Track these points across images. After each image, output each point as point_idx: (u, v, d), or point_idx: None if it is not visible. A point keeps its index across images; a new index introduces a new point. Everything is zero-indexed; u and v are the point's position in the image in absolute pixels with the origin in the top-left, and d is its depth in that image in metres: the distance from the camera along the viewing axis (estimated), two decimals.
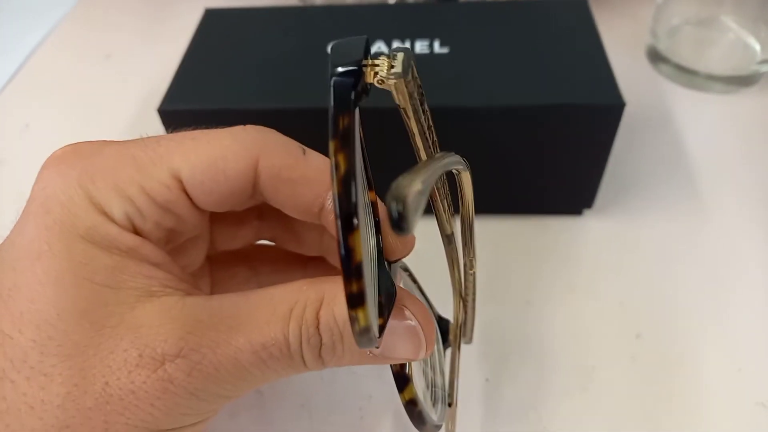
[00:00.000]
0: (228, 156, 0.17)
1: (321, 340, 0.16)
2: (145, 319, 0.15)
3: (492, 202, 0.32)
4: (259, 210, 0.22)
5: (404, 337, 0.16)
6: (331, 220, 0.18)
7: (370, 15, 0.32)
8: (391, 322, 0.16)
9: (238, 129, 0.17)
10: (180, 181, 0.17)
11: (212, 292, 0.23)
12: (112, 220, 0.16)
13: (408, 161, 0.14)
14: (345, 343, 0.16)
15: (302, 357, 0.16)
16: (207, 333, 0.15)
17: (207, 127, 0.18)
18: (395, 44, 0.30)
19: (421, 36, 0.30)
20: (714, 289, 0.28)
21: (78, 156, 0.17)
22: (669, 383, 0.25)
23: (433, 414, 0.18)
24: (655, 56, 0.40)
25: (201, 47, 0.30)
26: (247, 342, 0.15)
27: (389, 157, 0.21)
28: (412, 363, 0.17)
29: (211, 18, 0.33)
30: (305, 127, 0.24)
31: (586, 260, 0.30)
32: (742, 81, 0.38)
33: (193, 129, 0.18)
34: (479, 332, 0.27)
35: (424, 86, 0.27)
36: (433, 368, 0.21)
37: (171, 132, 0.18)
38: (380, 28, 0.31)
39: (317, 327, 0.16)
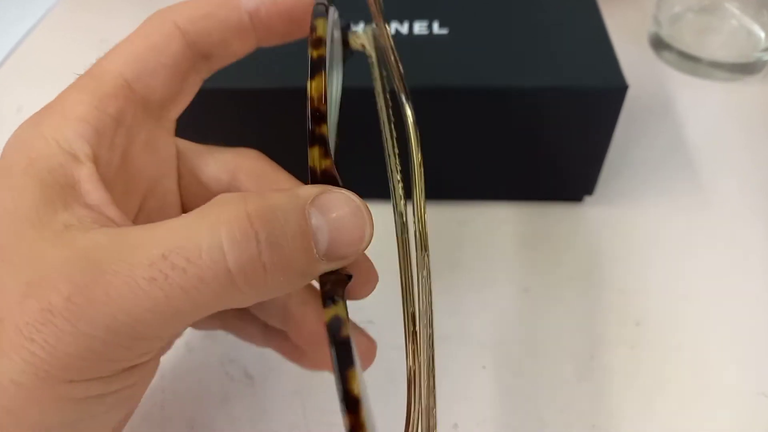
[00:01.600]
0: (154, 39, 0.17)
1: (257, 234, 0.14)
2: (49, 255, 0.14)
3: (491, 188, 0.31)
4: None
5: (342, 204, 0.15)
6: None
7: None
8: (331, 200, 0.15)
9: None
10: (126, 83, 0.17)
11: None
12: (69, 156, 0.16)
13: None
14: (287, 234, 0.14)
15: (226, 263, 0.13)
16: (107, 257, 0.14)
17: (203, 110, 0.19)
18: (393, 25, 0.29)
19: (420, 17, 0.29)
20: (715, 278, 0.28)
21: (33, 116, 0.17)
22: (668, 372, 0.25)
23: None
24: (658, 43, 0.40)
25: None
26: (144, 256, 0.13)
27: None
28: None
29: None
30: (300, 106, 0.24)
31: (585, 247, 0.30)
32: (746, 68, 0.38)
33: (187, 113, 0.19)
34: (477, 319, 0.27)
35: (423, 67, 0.27)
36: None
37: None
38: None
39: (249, 221, 0.14)
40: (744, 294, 0.27)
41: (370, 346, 0.21)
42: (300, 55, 0.24)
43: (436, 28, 0.29)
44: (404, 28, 0.29)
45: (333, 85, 0.18)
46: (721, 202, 0.31)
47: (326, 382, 0.25)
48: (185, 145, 0.20)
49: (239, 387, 0.25)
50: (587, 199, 0.31)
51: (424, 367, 0.16)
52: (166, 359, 0.26)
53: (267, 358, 0.26)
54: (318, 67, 0.15)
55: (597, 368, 0.25)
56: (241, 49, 0.19)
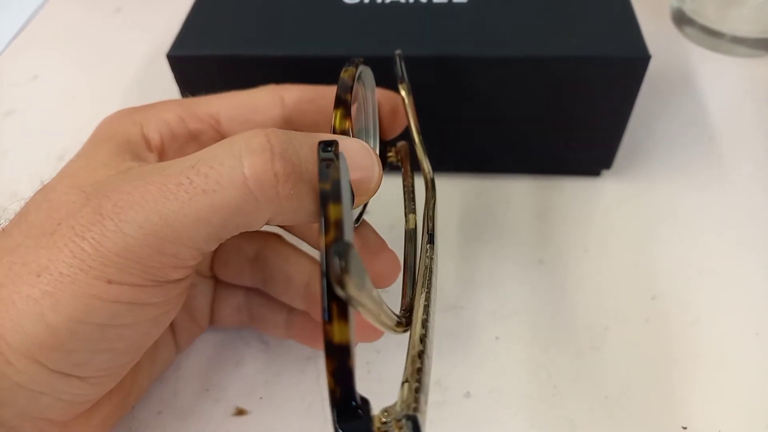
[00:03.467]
0: (258, 101, 0.21)
1: (272, 147, 0.16)
2: (110, 177, 0.17)
3: (509, 161, 0.31)
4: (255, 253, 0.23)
5: (355, 146, 0.17)
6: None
7: None
8: (344, 140, 0.17)
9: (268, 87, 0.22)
10: (215, 119, 0.21)
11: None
12: (144, 138, 0.20)
13: None
14: (300, 155, 0.16)
15: (242, 168, 0.15)
16: (149, 171, 0.16)
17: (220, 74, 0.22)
18: None
19: None
20: (732, 253, 0.28)
21: (132, 107, 0.21)
22: (683, 346, 0.25)
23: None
24: (681, 18, 0.39)
25: (207, 2, 0.30)
26: (176, 167, 0.16)
27: None
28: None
29: None
30: (317, 75, 0.24)
31: (602, 221, 0.29)
32: None
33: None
34: (491, 290, 0.27)
35: (443, 36, 0.26)
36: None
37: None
38: None
39: (267, 138, 0.16)
40: (761, 270, 0.27)
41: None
42: (326, 23, 0.24)
43: None
44: None
45: None
46: (740, 178, 0.31)
47: None
48: None
49: (254, 352, 0.25)
50: (605, 173, 0.31)
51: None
52: None
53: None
54: (350, 64, 0.19)
55: (611, 340, 0.25)
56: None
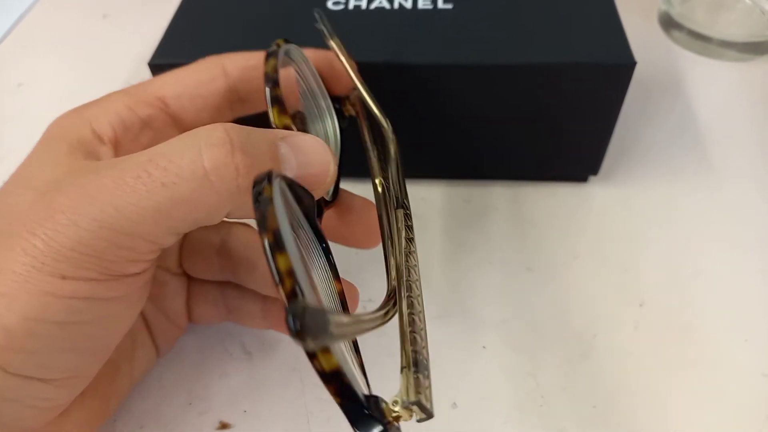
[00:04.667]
0: (201, 75, 0.21)
1: (231, 140, 0.16)
2: (63, 174, 0.17)
3: (495, 167, 0.31)
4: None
5: (310, 141, 0.17)
6: None
7: None
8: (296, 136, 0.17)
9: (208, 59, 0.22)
10: (163, 101, 0.21)
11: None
12: (96, 134, 0.19)
13: None
14: (259, 149, 0.16)
15: (203, 161, 0.15)
16: (104, 166, 0.16)
17: None
18: (397, 0, 0.29)
19: None
20: (721, 259, 0.28)
21: (79, 106, 0.21)
22: (672, 353, 0.25)
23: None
24: (668, 22, 0.39)
25: (191, 6, 0.29)
26: (133, 161, 0.16)
27: None
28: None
29: None
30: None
31: (589, 228, 0.29)
32: (757, 48, 0.37)
33: None
34: (479, 298, 0.27)
35: (428, 42, 0.26)
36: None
37: None
38: None
39: (226, 132, 0.16)
40: (750, 275, 0.27)
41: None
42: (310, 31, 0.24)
43: (440, 2, 0.28)
44: (408, 3, 0.28)
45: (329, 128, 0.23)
46: (730, 183, 0.31)
47: None
48: None
49: (238, 363, 0.25)
50: (592, 179, 0.31)
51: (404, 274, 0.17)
52: None
53: (265, 335, 0.26)
54: (270, 55, 0.19)
55: (600, 348, 0.25)
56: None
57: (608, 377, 0.24)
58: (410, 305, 0.15)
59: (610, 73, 0.25)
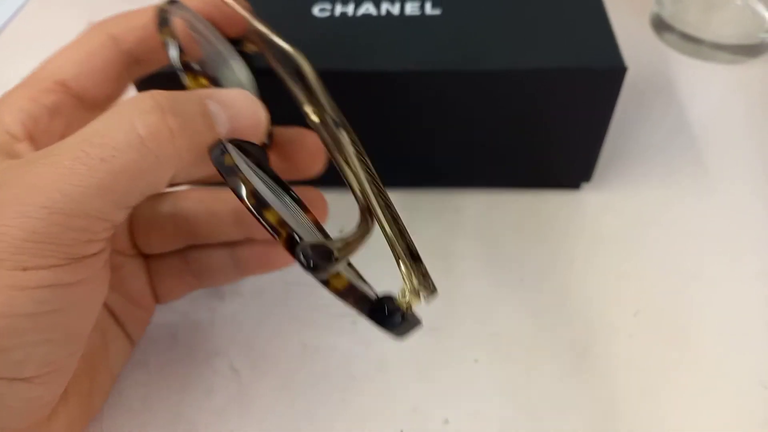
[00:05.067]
0: (90, 46, 0.20)
1: (161, 106, 0.16)
2: None
3: (486, 175, 0.30)
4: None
5: (235, 94, 0.18)
6: None
7: None
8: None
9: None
10: (63, 84, 0.20)
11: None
12: (9, 134, 0.19)
13: None
14: (189, 110, 0.16)
15: (137, 130, 0.16)
16: (37, 156, 0.16)
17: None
18: (384, 5, 0.28)
19: None
20: (717, 265, 0.27)
21: None
22: (668, 362, 0.24)
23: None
24: (660, 25, 0.39)
25: None
26: (67, 145, 0.16)
27: None
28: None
29: None
30: (282, 94, 0.23)
31: (583, 236, 0.29)
32: (749, 50, 0.37)
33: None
34: (470, 310, 0.26)
35: (417, 49, 0.26)
36: None
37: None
38: None
39: (154, 98, 0.16)
40: (747, 281, 0.27)
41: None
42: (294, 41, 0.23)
43: (428, 8, 0.28)
44: (395, 9, 0.28)
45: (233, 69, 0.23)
46: (724, 186, 0.30)
47: (313, 377, 0.24)
48: None
49: (225, 381, 0.24)
50: (585, 185, 0.30)
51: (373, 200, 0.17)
52: (150, 351, 0.25)
53: (253, 353, 0.25)
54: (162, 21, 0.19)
55: (593, 359, 0.24)
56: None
57: (602, 390, 0.24)
58: (387, 207, 0.16)
59: (601, 78, 0.25)
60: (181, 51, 0.18)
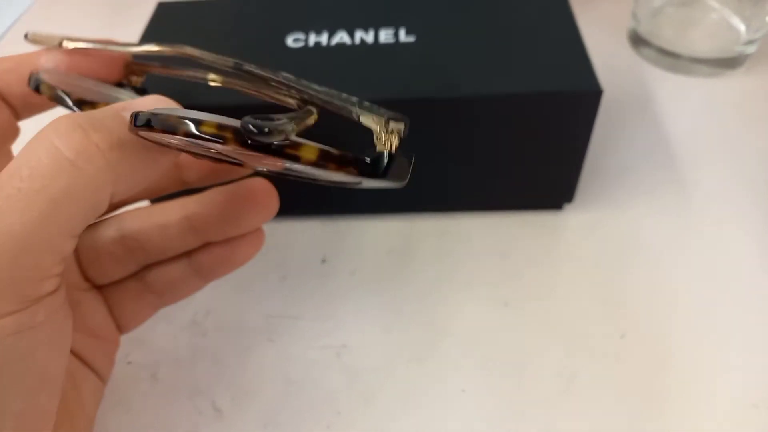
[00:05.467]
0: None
1: (79, 124, 0.15)
2: None
3: (467, 200, 0.30)
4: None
5: (149, 100, 0.17)
6: None
7: (332, 4, 0.30)
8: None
9: None
10: None
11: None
12: None
13: None
14: (108, 122, 0.16)
15: (63, 153, 0.15)
16: None
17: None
18: (358, 34, 0.28)
19: (386, 24, 0.28)
20: (703, 283, 0.27)
21: None
22: (656, 386, 0.24)
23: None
24: (637, 40, 0.39)
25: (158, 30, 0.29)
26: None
27: None
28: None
29: (164, 12, 0.31)
30: None
31: (566, 257, 0.28)
32: (727, 63, 0.37)
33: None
34: (456, 338, 0.26)
35: (392, 78, 0.26)
36: None
37: None
38: (342, 17, 0.29)
39: (70, 118, 0.16)
40: (734, 300, 0.26)
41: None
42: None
43: (402, 35, 0.28)
44: (369, 37, 0.28)
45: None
46: (707, 201, 0.30)
47: (298, 414, 0.24)
48: None
49: (207, 421, 0.24)
50: (567, 206, 0.30)
51: None
52: (131, 392, 0.25)
53: (236, 390, 0.25)
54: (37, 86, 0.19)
55: (580, 384, 0.24)
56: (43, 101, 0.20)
57: (591, 415, 0.23)
58: (322, 91, 0.16)
59: (577, 101, 0.25)
60: (68, 94, 0.18)
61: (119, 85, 0.22)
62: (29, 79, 0.19)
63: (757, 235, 0.29)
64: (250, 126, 0.13)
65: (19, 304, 0.15)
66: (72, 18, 0.47)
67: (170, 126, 0.14)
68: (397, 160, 0.15)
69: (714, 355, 0.25)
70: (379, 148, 0.15)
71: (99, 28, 0.45)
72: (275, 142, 0.13)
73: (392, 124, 0.15)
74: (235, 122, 0.14)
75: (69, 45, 0.20)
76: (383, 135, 0.15)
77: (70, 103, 0.18)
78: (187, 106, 0.20)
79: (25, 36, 0.20)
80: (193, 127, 0.14)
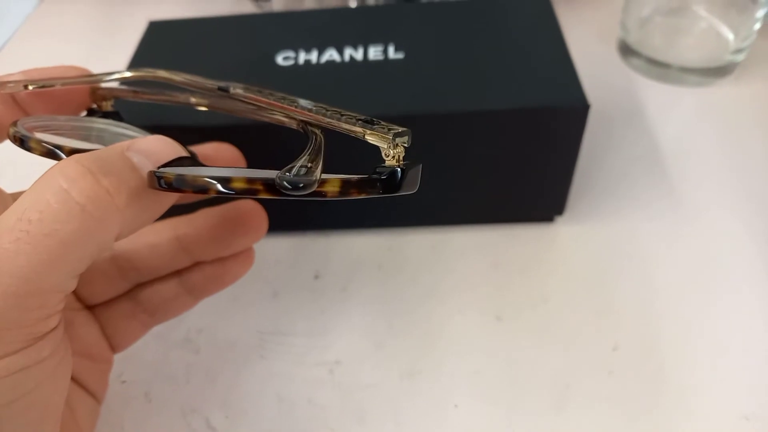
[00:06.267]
0: None
1: (89, 169, 0.16)
2: None
3: (459, 213, 0.30)
4: None
5: (152, 141, 0.18)
6: None
7: (321, 22, 0.31)
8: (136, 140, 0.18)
9: None
10: None
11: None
12: None
13: None
14: (116, 167, 0.16)
15: (74, 198, 0.15)
16: None
17: None
18: (347, 51, 0.28)
19: (375, 41, 0.28)
20: (695, 294, 0.27)
21: None
22: (648, 398, 0.24)
23: None
24: (626, 50, 0.39)
25: (142, 63, 0.29)
26: (2, 227, 0.15)
27: None
28: None
29: (155, 30, 0.31)
30: (253, 141, 0.23)
31: (558, 269, 0.29)
32: (717, 72, 0.37)
33: None
34: (449, 352, 0.26)
35: (382, 94, 0.26)
36: None
37: None
38: (332, 34, 0.29)
39: (79, 163, 0.16)
40: (727, 310, 0.26)
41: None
42: None
43: (391, 52, 0.28)
44: (359, 54, 0.28)
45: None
46: (698, 212, 0.30)
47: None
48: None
49: None
50: (558, 218, 0.30)
51: None
52: (124, 411, 0.25)
53: (229, 408, 0.25)
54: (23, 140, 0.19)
55: (574, 397, 0.24)
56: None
57: (584, 429, 0.23)
58: (311, 109, 0.17)
59: (565, 116, 0.25)
60: (60, 147, 0.18)
61: (90, 111, 0.22)
62: (13, 137, 0.19)
63: (749, 245, 0.29)
64: (285, 183, 0.14)
65: (25, 342, 0.16)
66: (64, 34, 0.47)
67: (201, 188, 0.15)
68: (409, 171, 0.16)
69: (706, 367, 0.25)
70: (388, 163, 0.15)
71: (90, 48, 0.45)
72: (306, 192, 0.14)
73: (398, 138, 0.15)
74: (259, 173, 0.15)
75: (31, 87, 0.20)
76: (391, 151, 0.15)
77: (63, 157, 0.18)
78: (162, 127, 0.21)
79: None
80: (222, 186, 0.15)
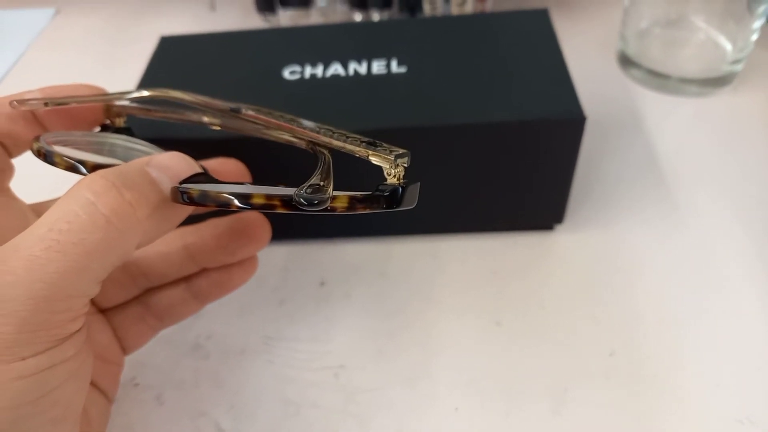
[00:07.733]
0: None
1: (113, 184, 0.17)
2: None
3: (459, 222, 0.31)
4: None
5: (169, 157, 0.19)
6: None
7: (326, 36, 0.32)
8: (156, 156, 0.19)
9: None
10: None
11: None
12: None
13: None
14: (137, 182, 0.18)
15: (100, 210, 0.17)
16: (4, 254, 0.17)
17: None
18: (351, 65, 0.29)
19: (378, 56, 0.29)
20: (690, 301, 0.28)
21: None
22: (645, 402, 0.25)
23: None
24: (626, 61, 0.40)
25: (155, 77, 0.30)
26: (34, 236, 0.16)
27: None
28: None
29: (167, 45, 0.32)
30: (260, 155, 0.24)
31: (557, 277, 0.29)
32: (715, 82, 0.38)
33: None
34: (449, 357, 0.27)
35: (383, 107, 0.27)
36: None
37: None
38: (336, 49, 0.30)
39: (104, 178, 0.17)
40: (722, 316, 0.27)
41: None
42: (269, 103, 0.24)
43: (394, 66, 0.29)
44: (363, 68, 0.29)
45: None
46: (697, 220, 0.31)
47: None
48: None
49: None
50: (558, 227, 0.31)
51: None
52: (134, 414, 0.26)
53: (238, 412, 0.26)
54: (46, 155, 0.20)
55: (571, 402, 0.25)
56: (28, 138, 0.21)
57: None
58: (319, 129, 0.18)
59: (562, 128, 0.26)
60: (83, 162, 0.19)
61: (104, 127, 0.23)
62: (37, 152, 0.20)
63: (746, 253, 0.29)
64: (302, 200, 0.16)
65: (52, 342, 0.17)
66: (77, 46, 0.48)
67: (223, 203, 0.17)
68: (408, 189, 0.17)
69: (701, 372, 0.25)
70: (390, 181, 0.17)
71: (103, 60, 0.46)
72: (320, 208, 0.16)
73: (399, 159, 0.17)
74: (275, 191, 0.16)
75: (51, 105, 0.21)
76: (392, 170, 0.17)
77: (85, 172, 0.19)
78: (166, 140, 0.22)
79: (10, 103, 0.21)
80: (243, 202, 0.16)
